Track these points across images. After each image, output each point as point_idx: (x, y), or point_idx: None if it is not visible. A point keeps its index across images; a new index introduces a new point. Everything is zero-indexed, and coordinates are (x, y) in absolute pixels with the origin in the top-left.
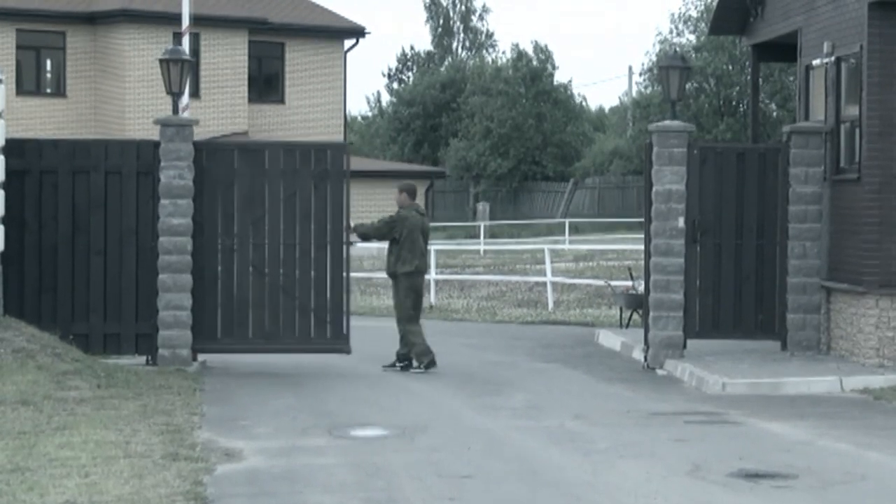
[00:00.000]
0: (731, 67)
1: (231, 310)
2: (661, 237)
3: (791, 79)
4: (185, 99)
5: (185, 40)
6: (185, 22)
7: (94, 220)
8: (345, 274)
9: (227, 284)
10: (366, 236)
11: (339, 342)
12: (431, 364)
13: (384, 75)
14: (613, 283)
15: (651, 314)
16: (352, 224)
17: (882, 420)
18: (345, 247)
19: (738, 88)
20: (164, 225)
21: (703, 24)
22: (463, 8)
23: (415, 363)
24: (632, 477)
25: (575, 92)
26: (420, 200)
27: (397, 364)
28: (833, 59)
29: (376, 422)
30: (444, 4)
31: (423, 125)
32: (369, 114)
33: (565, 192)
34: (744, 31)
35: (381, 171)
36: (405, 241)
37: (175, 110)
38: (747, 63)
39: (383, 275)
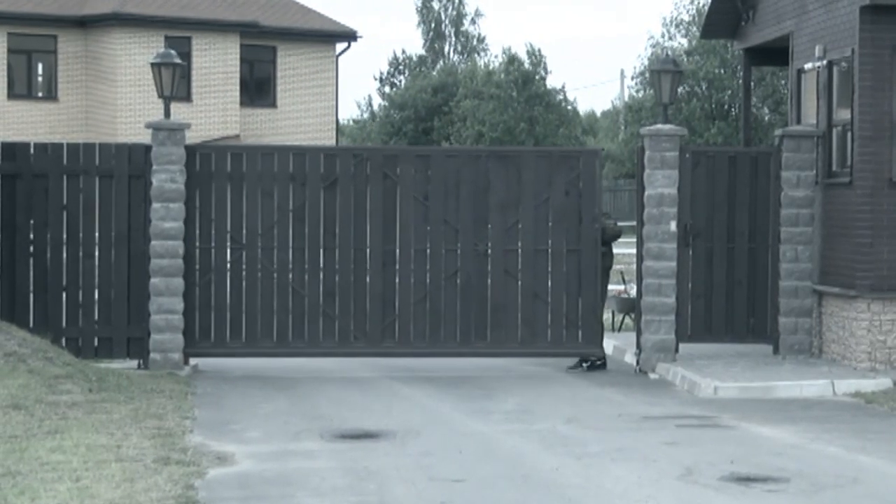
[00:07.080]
0: (722, 71)
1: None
2: (653, 241)
3: (783, 82)
4: None
5: None
6: None
7: (85, 223)
8: (598, 280)
9: (482, 289)
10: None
11: (591, 346)
12: (592, 367)
13: (376, 79)
14: None
15: (643, 318)
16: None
17: (874, 424)
18: (598, 252)
19: (729, 92)
20: (156, 229)
21: (694, 28)
22: (454, 12)
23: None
24: (624, 480)
25: (567, 96)
26: None
27: (582, 364)
28: (825, 62)
29: (368, 426)
30: (436, 8)
31: (414, 129)
32: (360, 117)
33: None
34: (735, 35)
35: None
36: None
37: (167, 114)
38: (739, 67)
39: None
